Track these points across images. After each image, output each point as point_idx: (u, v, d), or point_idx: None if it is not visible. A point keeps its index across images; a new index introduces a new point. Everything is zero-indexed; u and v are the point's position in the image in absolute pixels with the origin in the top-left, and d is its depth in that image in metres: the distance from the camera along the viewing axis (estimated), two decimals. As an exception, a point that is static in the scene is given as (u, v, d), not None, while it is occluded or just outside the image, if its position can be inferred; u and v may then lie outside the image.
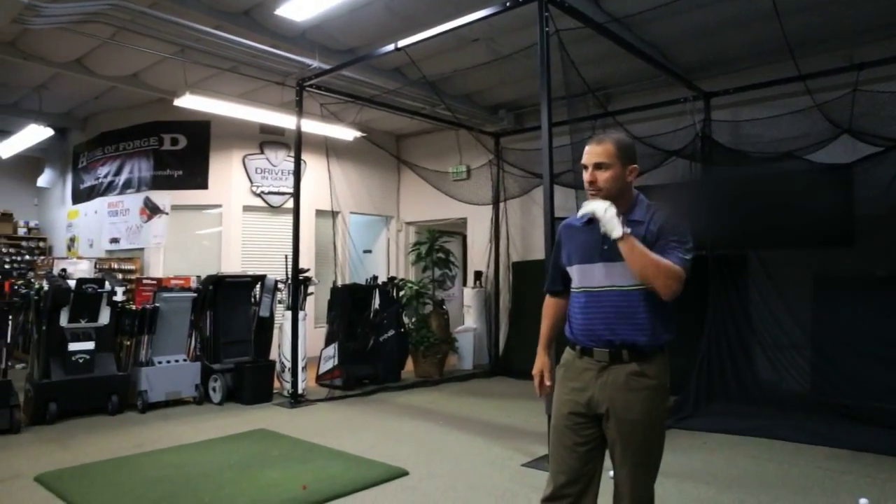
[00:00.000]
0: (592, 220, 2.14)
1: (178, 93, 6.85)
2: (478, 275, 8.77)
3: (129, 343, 5.90)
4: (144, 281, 7.35)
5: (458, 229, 9.80)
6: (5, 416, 4.82)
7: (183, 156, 8.60)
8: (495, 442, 4.69)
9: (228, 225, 8.59)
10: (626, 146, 2.12)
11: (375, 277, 7.83)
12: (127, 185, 8.78)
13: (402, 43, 5.32)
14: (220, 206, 8.63)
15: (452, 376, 7.75)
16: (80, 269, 7.55)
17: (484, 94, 7.99)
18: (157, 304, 5.91)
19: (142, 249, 8.55)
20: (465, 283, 9.44)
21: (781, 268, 5.88)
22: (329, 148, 7.57)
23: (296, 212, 6.42)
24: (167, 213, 8.50)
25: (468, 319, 8.59)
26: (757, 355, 5.89)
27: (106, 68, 7.01)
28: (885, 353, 5.05)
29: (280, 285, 6.74)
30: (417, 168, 8.70)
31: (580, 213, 2.13)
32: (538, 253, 7.70)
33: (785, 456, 4.27)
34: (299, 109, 6.40)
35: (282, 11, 5.49)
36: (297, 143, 6.46)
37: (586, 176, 2.12)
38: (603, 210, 2.03)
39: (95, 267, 8.03)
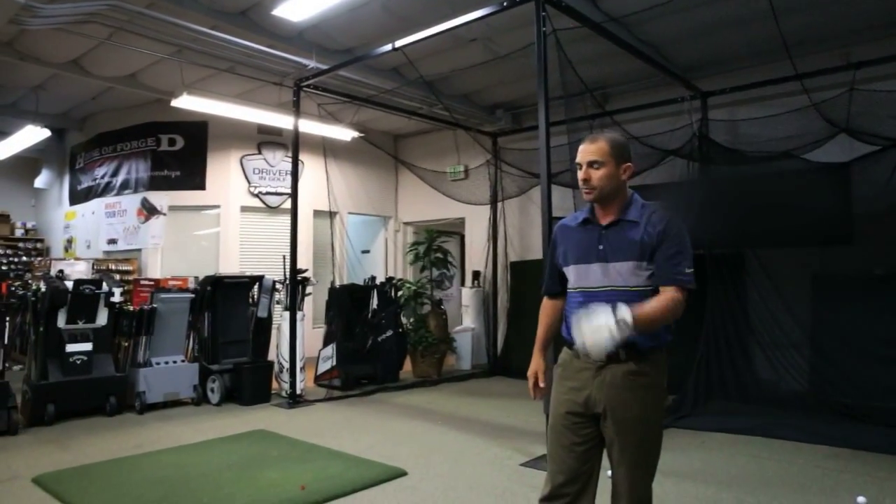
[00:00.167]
0: (588, 221, 2.16)
1: (176, 93, 6.84)
2: (476, 275, 8.76)
3: (126, 344, 5.89)
4: (142, 282, 7.31)
5: (456, 229, 9.79)
6: (3, 417, 4.81)
7: (180, 156, 8.58)
8: (494, 442, 4.69)
9: (226, 225, 8.58)
10: (620, 145, 2.13)
11: (373, 278, 7.81)
12: (124, 185, 8.76)
13: (399, 43, 5.33)
14: (217, 206, 8.62)
15: (451, 376, 7.75)
16: (78, 270, 7.55)
17: (481, 94, 7.99)
18: (154, 305, 5.90)
19: (139, 250, 8.53)
20: (463, 283, 9.44)
21: (780, 267, 5.88)
22: (327, 148, 7.56)
23: (293, 212, 6.42)
24: (165, 214, 8.48)
25: (466, 319, 8.59)
26: (756, 354, 5.89)
27: (103, 69, 7.00)
28: (884, 352, 5.05)
29: (278, 286, 6.73)
30: (415, 168, 8.70)
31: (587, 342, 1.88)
32: (536, 252, 7.71)
33: (784, 455, 4.27)
34: (297, 110, 6.40)
35: (279, 11, 5.49)
36: (294, 144, 6.46)
37: (580, 174, 2.13)
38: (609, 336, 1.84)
39: (93, 268, 8.03)
